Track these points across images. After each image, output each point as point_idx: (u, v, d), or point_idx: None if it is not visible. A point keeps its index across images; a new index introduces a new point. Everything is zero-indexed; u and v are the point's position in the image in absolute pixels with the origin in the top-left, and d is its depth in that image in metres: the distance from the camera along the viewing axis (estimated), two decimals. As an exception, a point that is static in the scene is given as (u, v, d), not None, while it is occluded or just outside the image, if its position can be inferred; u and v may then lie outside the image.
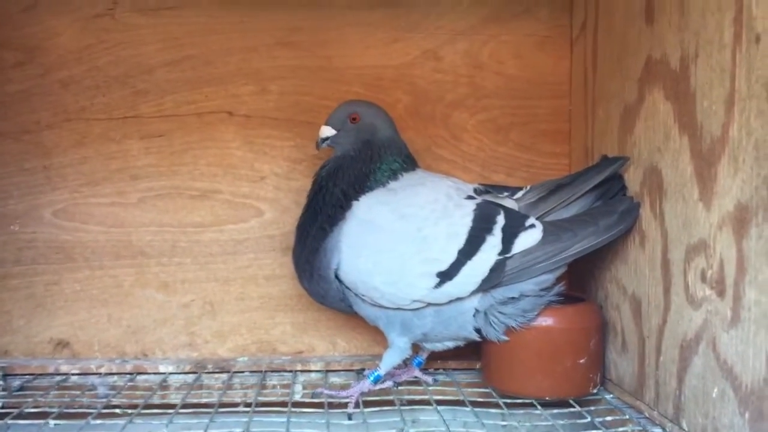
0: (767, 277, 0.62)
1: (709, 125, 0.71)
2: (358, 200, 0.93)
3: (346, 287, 0.92)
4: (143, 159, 1.09)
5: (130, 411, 0.89)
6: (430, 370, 1.06)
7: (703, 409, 0.73)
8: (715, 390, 0.70)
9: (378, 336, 1.08)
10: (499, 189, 0.96)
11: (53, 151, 1.08)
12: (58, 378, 1.03)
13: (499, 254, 0.87)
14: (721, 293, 0.69)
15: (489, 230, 0.88)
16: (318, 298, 0.97)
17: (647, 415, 0.85)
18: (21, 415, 0.87)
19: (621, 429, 0.85)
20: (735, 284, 0.66)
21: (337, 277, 0.92)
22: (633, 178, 0.90)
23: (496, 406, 0.92)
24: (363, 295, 0.91)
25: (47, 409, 0.89)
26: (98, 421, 0.84)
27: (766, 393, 0.62)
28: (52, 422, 0.84)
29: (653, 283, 0.84)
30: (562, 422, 0.87)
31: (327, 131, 0.98)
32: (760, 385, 0.63)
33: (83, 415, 0.86)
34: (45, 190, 1.08)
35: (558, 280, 0.91)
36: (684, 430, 0.76)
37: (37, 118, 1.08)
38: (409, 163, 0.98)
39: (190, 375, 1.05)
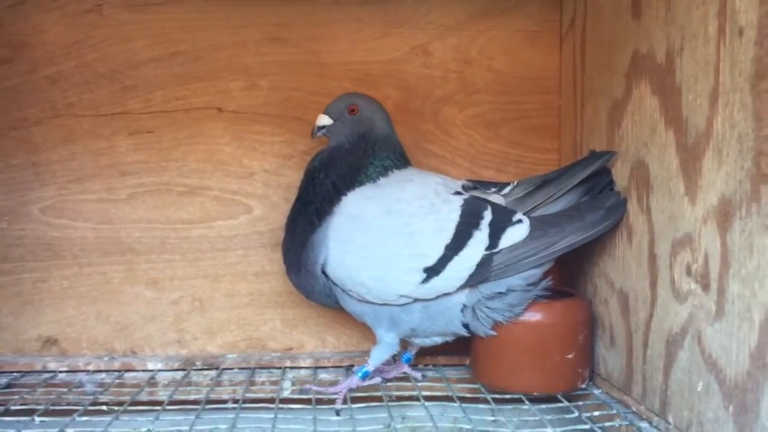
0: (750, 270, 0.62)
1: (694, 119, 0.71)
2: (346, 195, 0.93)
3: (333, 283, 0.92)
4: (132, 155, 1.09)
5: (116, 408, 0.89)
6: (419, 365, 1.06)
7: (688, 403, 0.73)
8: (700, 384, 0.70)
9: (367, 332, 1.08)
10: (486, 185, 0.96)
11: (41, 147, 1.07)
12: (46, 375, 1.02)
13: (486, 249, 0.87)
14: (705, 287, 0.69)
15: (476, 225, 0.88)
16: (305, 292, 0.96)
17: (634, 410, 0.85)
18: (7, 413, 0.87)
19: (608, 424, 0.85)
20: (719, 278, 0.66)
21: (324, 272, 0.92)
22: (620, 173, 0.90)
23: (485, 401, 0.92)
24: (350, 291, 0.91)
25: (34, 407, 0.88)
26: (84, 418, 0.84)
27: (750, 386, 0.62)
28: (37, 419, 0.84)
29: (640, 277, 0.83)
30: (549, 417, 0.86)
31: (324, 120, 0.98)
32: (743, 378, 0.63)
33: (69, 412, 0.85)
34: (33, 186, 1.07)
35: (546, 275, 0.91)
36: (670, 424, 0.76)
37: (24, 115, 1.07)
38: (402, 161, 0.97)
39: (179, 372, 1.05)
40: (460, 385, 0.97)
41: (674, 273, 0.75)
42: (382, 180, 0.95)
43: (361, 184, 0.94)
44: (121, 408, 0.88)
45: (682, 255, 0.74)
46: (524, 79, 1.13)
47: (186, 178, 1.09)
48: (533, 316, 0.90)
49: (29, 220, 1.07)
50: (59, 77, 1.07)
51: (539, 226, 0.88)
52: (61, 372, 1.04)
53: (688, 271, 0.72)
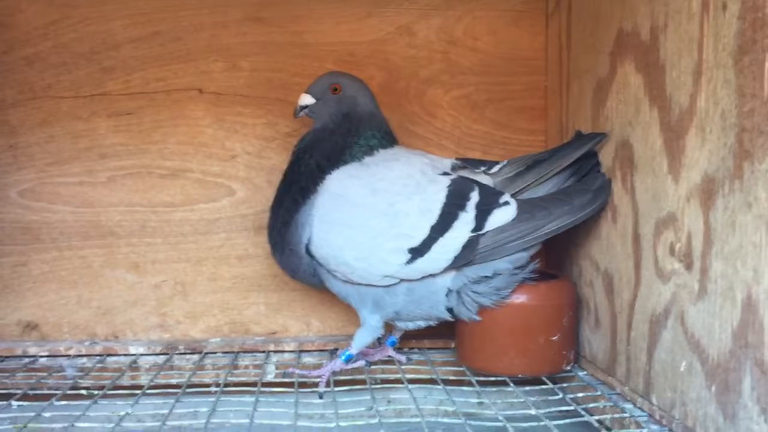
0: (733, 248, 0.61)
1: (678, 96, 0.70)
2: (331, 174, 0.92)
3: (318, 262, 0.91)
4: (111, 137, 1.07)
5: (96, 392, 0.88)
6: (404, 349, 1.05)
7: (671, 384, 0.72)
8: (683, 364, 0.70)
9: (352, 316, 1.07)
10: (475, 163, 0.95)
11: (19, 129, 1.06)
12: (26, 360, 1.01)
13: (472, 231, 0.86)
14: (689, 266, 0.68)
15: (462, 207, 0.87)
16: (290, 272, 0.96)
17: (619, 391, 0.84)
18: (-16, 397, 0.86)
19: (592, 405, 0.84)
20: (702, 257, 0.66)
21: (308, 251, 0.91)
22: (605, 153, 0.89)
23: (469, 384, 0.91)
24: (334, 271, 0.90)
25: (12, 391, 0.87)
26: (62, 403, 0.83)
27: (732, 365, 0.61)
28: (15, 403, 0.83)
29: (624, 258, 0.83)
30: (534, 399, 0.86)
31: (306, 99, 0.97)
32: (726, 357, 0.62)
33: (48, 397, 0.85)
34: (11, 169, 1.06)
35: (533, 257, 0.90)
36: (653, 405, 0.76)
37: (2, 96, 1.05)
38: (388, 140, 0.96)
39: (161, 356, 1.03)
40: (444, 368, 0.97)
41: (658, 253, 0.75)
42: (368, 159, 0.93)
43: (346, 163, 0.93)
44: (101, 392, 0.87)
45: (665, 234, 0.73)
46: (510, 59, 1.12)
47: (167, 161, 1.08)
48: (518, 299, 0.89)
49: (7, 203, 1.06)
50: (36, 58, 1.05)
51: (526, 208, 0.87)
52: (41, 357, 1.02)
53: (672, 251, 0.71)
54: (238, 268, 1.09)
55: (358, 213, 0.88)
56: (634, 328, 0.81)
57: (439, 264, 0.87)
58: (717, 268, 0.63)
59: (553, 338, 0.90)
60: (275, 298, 1.10)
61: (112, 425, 0.75)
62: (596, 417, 0.79)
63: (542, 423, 0.77)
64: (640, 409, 0.79)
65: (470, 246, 0.86)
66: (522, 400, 0.86)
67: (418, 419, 0.78)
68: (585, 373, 0.93)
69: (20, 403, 0.83)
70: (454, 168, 0.94)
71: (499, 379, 0.92)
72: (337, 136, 0.94)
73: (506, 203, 0.88)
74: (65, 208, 1.06)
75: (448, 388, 0.88)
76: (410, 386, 0.89)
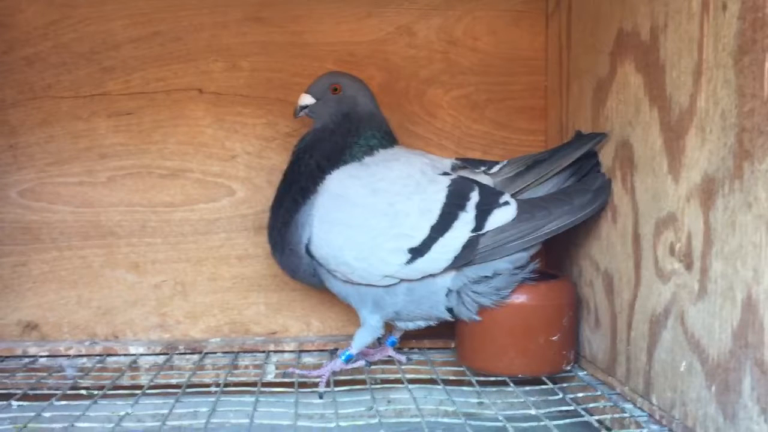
0: (733, 248, 0.61)
1: (678, 96, 0.70)
2: (331, 174, 0.92)
3: (318, 262, 0.91)
4: (111, 137, 1.07)
5: (96, 392, 0.88)
6: (404, 349, 1.05)
7: (671, 384, 0.72)
8: (683, 364, 0.70)
9: (352, 316, 1.07)
10: (475, 163, 0.95)
11: (19, 129, 1.06)
12: (26, 360, 1.01)
13: (472, 231, 0.86)
14: (689, 266, 0.68)
15: (462, 207, 0.87)
16: (290, 272, 0.96)
17: (619, 391, 0.84)
18: (-15, 397, 0.86)
19: (592, 405, 0.84)
20: (702, 257, 0.66)
21: (308, 251, 0.91)
22: (605, 154, 0.89)
23: (469, 384, 0.91)
24: (334, 271, 0.90)
25: (12, 391, 0.87)
26: (62, 403, 0.83)
27: (732, 365, 0.61)
28: (15, 403, 0.83)
29: (624, 258, 0.83)
30: (534, 399, 0.86)
31: (306, 99, 0.97)
32: (726, 357, 0.62)
33: (48, 397, 0.85)
34: (11, 169, 1.06)
35: (533, 257, 0.90)
36: (653, 405, 0.76)
37: (1, 96, 1.05)
38: (388, 140, 0.96)
39: (161, 356, 1.03)
40: (444, 368, 0.97)
41: (658, 253, 0.75)
42: (368, 159, 0.94)
43: (346, 163, 0.93)
44: (101, 392, 0.87)
45: (665, 234, 0.73)
46: (510, 59, 1.12)
47: (167, 161, 1.08)
48: (518, 299, 0.89)
49: (7, 203, 1.06)
50: (36, 58, 1.06)
51: (526, 208, 0.87)
52: (41, 357, 1.02)
53: (672, 251, 0.71)
54: (238, 268, 1.09)
55: (358, 213, 0.88)
56: (634, 328, 0.81)
57: (439, 264, 0.87)
58: (717, 268, 0.63)
59: (553, 338, 0.90)
60: (275, 298, 1.10)
61: (112, 425, 0.75)
62: (596, 417, 0.79)
63: (542, 423, 0.77)
64: (640, 409, 0.79)
65: (470, 246, 0.86)
66: (522, 400, 0.86)
67: (418, 419, 0.78)
68: (585, 373, 0.93)
69: (20, 403, 0.83)
70: (454, 168, 0.94)
71: (499, 379, 0.92)
72: (337, 136, 0.95)
73: (506, 203, 0.88)
74: (65, 208, 1.06)
75: (448, 388, 0.88)
76: (410, 386, 0.90)
